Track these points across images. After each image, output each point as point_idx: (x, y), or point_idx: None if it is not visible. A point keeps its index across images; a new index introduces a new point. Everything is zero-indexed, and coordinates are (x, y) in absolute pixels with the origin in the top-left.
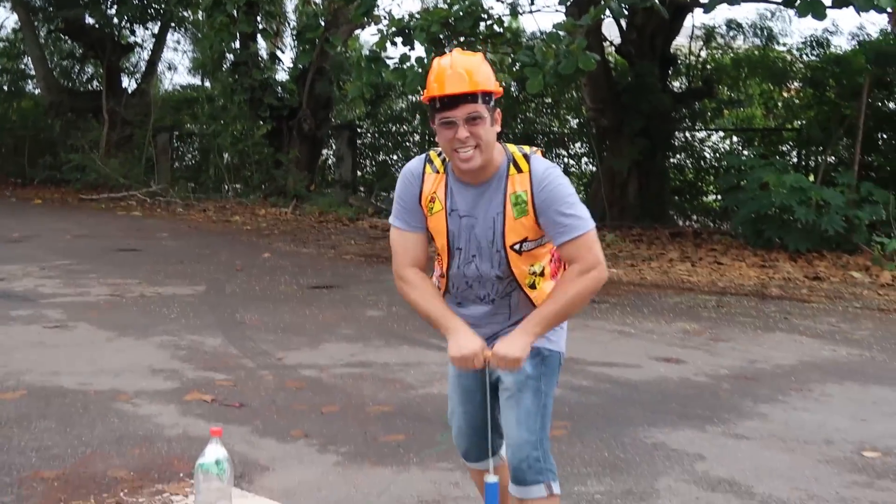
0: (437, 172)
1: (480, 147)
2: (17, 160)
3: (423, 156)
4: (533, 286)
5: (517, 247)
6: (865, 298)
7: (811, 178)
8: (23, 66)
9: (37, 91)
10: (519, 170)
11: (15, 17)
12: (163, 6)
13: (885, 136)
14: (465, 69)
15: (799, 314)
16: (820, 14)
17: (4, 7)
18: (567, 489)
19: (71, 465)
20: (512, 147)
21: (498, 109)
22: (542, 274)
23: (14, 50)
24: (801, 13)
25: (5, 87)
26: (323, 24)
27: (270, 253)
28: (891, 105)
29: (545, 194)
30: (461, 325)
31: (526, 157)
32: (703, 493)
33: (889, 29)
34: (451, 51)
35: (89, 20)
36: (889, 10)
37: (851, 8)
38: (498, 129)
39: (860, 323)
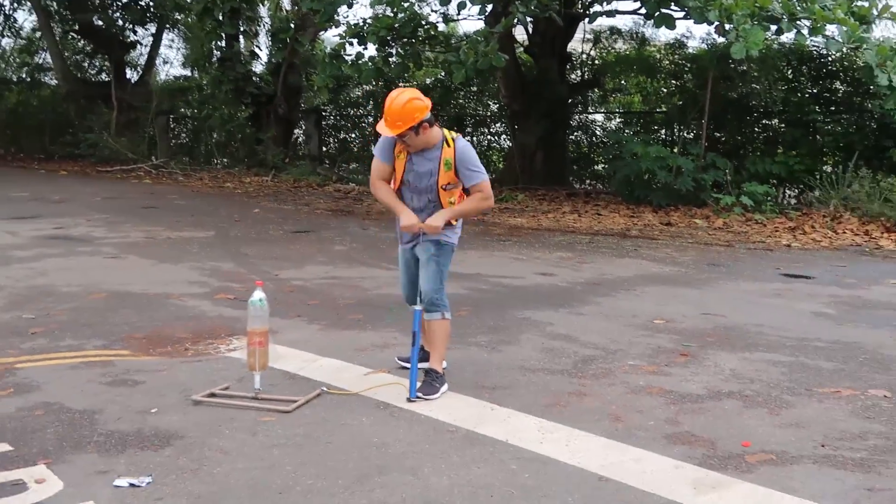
0: None
1: (412, 147)
2: (39, 140)
3: None
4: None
5: (445, 187)
6: (698, 237)
7: (675, 149)
8: (40, 61)
9: (54, 81)
10: (448, 145)
11: (34, 18)
12: (159, 11)
13: (728, 116)
14: (399, 118)
15: (646, 247)
16: (670, 25)
17: (24, 10)
18: (466, 340)
19: (149, 331)
20: (446, 131)
21: (425, 123)
22: (453, 203)
23: (33, 47)
24: (657, 25)
25: (27, 78)
26: (293, 27)
27: (259, 209)
28: (732, 94)
29: (461, 159)
30: (407, 208)
31: (453, 138)
32: (548, 341)
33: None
34: (395, 50)
35: (98, 22)
36: (716, 22)
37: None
38: (427, 132)
39: (687, 252)
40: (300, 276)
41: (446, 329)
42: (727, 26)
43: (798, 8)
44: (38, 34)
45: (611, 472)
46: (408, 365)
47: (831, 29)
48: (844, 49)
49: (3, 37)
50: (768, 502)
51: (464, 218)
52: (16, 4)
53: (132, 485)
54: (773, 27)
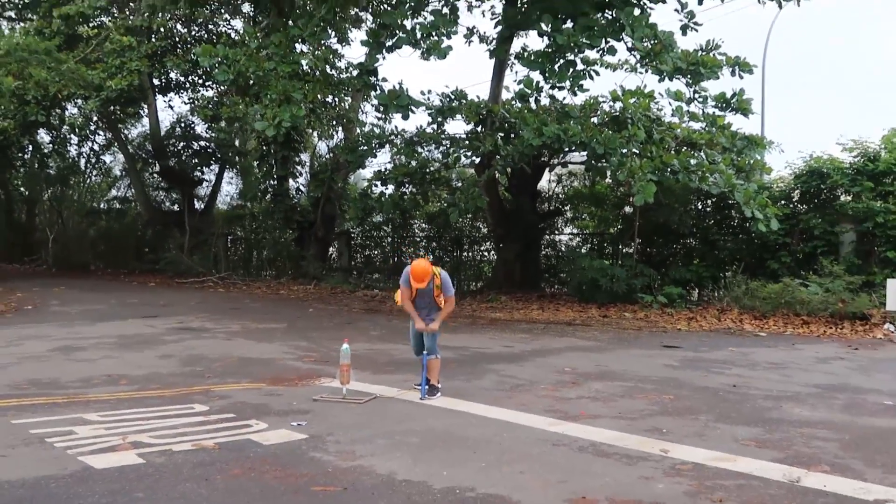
0: None
1: (422, 284)
2: (123, 257)
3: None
4: (439, 308)
5: (438, 299)
6: (622, 325)
7: (618, 261)
8: (122, 194)
9: (136, 209)
10: (437, 276)
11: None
12: (223, 154)
13: (655, 237)
14: (423, 278)
15: (581, 331)
16: (602, 176)
17: (112, 154)
18: (452, 378)
19: (272, 375)
20: (434, 269)
21: (433, 276)
22: (440, 307)
23: (115, 182)
24: (593, 175)
25: (114, 207)
26: (329, 170)
27: (313, 309)
28: (659, 220)
29: (443, 284)
30: (419, 318)
31: (439, 273)
32: (499, 378)
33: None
34: (409, 189)
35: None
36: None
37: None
38: (431, 278)
39: (607, 334)
40: (352, 349)
41: (439, 364)
42: (631, 181)
43: (691, 163)
44: (123, 173)
45: (516, 420)
46: (419, 386)
47: (717, 176)
48: (725, 190)
49: (93, 176)
50: (587, 433)
51: (444, 318)
52: (103, 149)
53: (299, 424)
54: (673, 176)
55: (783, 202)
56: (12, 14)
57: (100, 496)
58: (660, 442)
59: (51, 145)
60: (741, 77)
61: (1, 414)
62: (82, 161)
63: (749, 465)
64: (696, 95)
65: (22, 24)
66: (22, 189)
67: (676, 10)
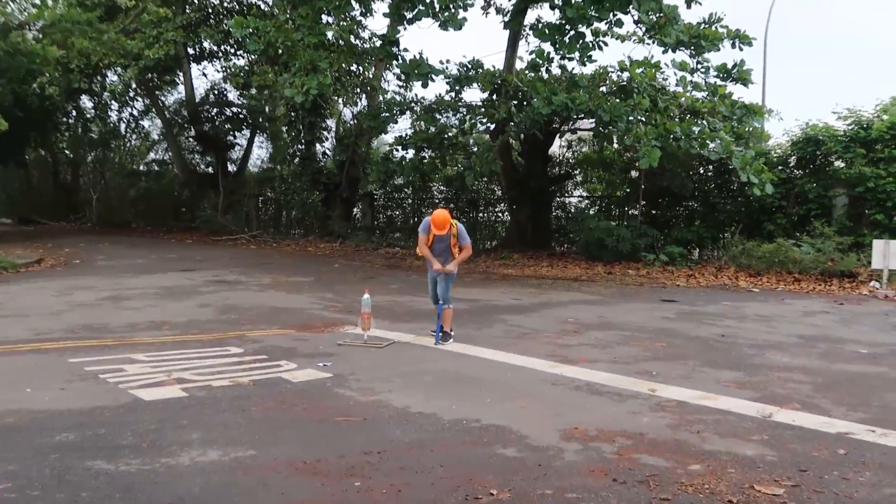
0: None
1: (441, 231)
2: (162, 216)
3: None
4: (454, 257)
5: (454, 248)
6: (625, 282)
7: (624, 222)
8: (159, 157)
9: (174, 171)
10: (453, 227)
11: (157, 123)
12: (254, 119)
13: (660, 200)
14: (443, 225)
15: (587, 287)
16: (610, 141)
17: (150, 119)
18: (464, 326)
19: (301, 323)
20: (452, 221)
21: (450, 225)
22: (455, 256)
23: (154, 146)
24: (601, 141)
25: (153, 169)
26: (353, 135)
27: (338, 265)
28: (663, 184)
29: (460, 234)
30: (436, 260)
31: (455, 223)
32: (507, 327)
33: None
34: (428, 154)
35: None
36: (630, 143)
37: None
38: (449, 227)
39: (610, 289)
40: (373, 300)
41: (452, 313)
42: (637, 147)
43: (693, 131)
44: (160, 137)
45: (520, 363)
46: (434, 332)
47: (717, 143)
48: (724, 156)
49: (133, 139)
50: (584, 374)
51: (460, 263)
52: (142, 114)
53: (325, 364)
54: (676, 143)
55: (780, 168)
56: None
57: (149, 423)
58: (649, 383)
59: (93, 111)
60: (741, 49)
61: (59, 354)
62: (122, 126)
63: (728, 402)
64: (700, 66)
65: None
66: (67, 152)
67: None
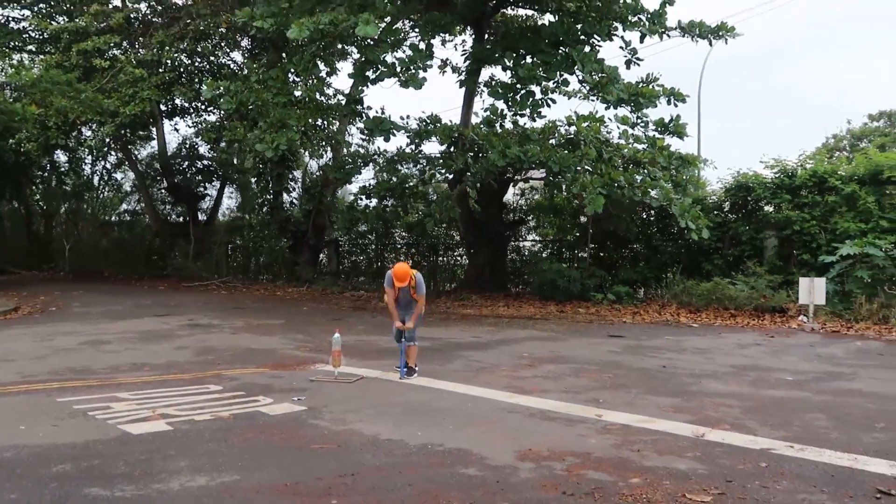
0: None
1: (403, 284)
2: (133, 264)
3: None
4: (413, 308)
5: (415, 296)
6: (575, 320)
7: (574, 264)
8: (132, 207)
9: (146, 221)
10: (412, 279)
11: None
12: (224, 172)
13: (608, 243)
14: (404, 278)
15: (540, 325)
16: (560, 190)
17: (123, 172)
18: (428, 362)
19: (274, 362)
20: (413, 271)
21: (410, 278)
22: (415, 301)
23: (125, 197)
24: (550, 190)
25: (125, 219)
26: (319, 185)
27: (307, 308)
28: (609, 228)
29: (418, 285)
30: (398, 312)
31: (414, 276)
32: (467, 362)
33: None
34: (391, 202)
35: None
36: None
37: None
38: (410, 280)
39: (562, 326)
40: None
41: (416, 350)
42: (584, 195)
43: (636, 179)
44: (133, 188)
45: (479, 394)
46: (399, 368)
47: (657, 191)
48: (664, 203)
49: (105, 191)
50: (537, 403)
51: (416, 319)
52: (115, 167)
53: (299, 398)
54: (619, 191)
55: (716, 212)
56: (32, 48)
57: (139, 453)
58: (596, 409)
59: (67, 164)
60: (676, 105)
61: (47, 394)
62: (96, 178)
63: (665, 425)
64: (640, 120)
65: (41, 57)
66: (41, 203)
67: (621, 48)
